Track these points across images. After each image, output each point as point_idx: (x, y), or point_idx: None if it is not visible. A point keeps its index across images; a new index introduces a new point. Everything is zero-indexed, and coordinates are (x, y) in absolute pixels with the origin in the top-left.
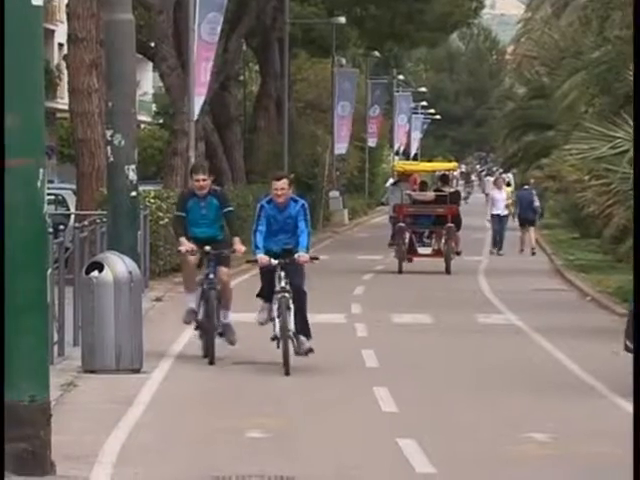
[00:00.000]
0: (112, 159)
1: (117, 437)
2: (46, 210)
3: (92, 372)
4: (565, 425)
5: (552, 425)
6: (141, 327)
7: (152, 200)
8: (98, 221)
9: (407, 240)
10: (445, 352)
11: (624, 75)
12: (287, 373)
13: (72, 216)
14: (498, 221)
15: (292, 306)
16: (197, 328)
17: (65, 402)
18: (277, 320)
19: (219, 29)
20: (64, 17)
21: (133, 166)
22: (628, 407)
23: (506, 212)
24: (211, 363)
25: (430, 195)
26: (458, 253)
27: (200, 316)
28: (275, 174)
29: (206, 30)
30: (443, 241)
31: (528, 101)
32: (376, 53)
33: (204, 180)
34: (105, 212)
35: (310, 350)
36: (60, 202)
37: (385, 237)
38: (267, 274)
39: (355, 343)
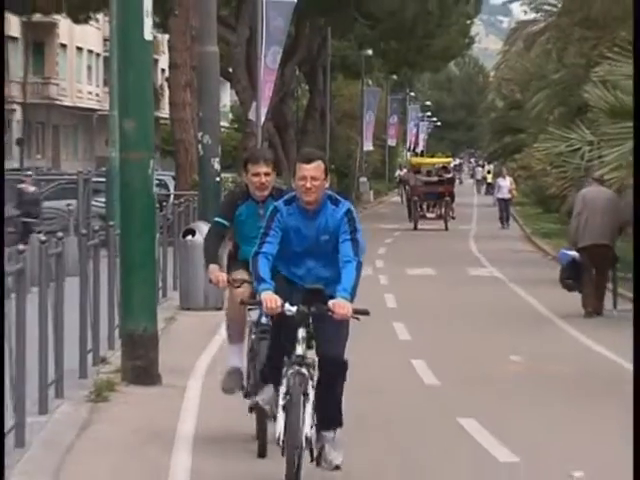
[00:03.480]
0: (202, 153)
1: (206, 357)
2: (155, 191)
3: (187, 309)
4: (534, 349)
5: (525, 349)
6: None
7: (230, 183)
8: (191, 199)
9: (418, 207)
10: (446, 296)
11: (577, 92)
12: None
13: (172, 196)
14: (503, 203)
15: (311, 393)
16: (247, 396)
17: (168, 331)
18: (281, 416)
19: (279, 58)
20: (166, 49)
21: (217, 159)
22: (577, 335)
23: (509, 196)
24: (261, 455)
25: (434, 179)
26: (453, 217)
27: (246, 381)
28: (303, 154)
29: (270, 59)
30: (443, 209)
31: (506, 112)
32: (394, 76)
33: (267, 175)
34: (196, 192)
35: (337, 467)
36: (163, 185)
37: (401, 211)
38: (279, 328)
39: (379, 289)
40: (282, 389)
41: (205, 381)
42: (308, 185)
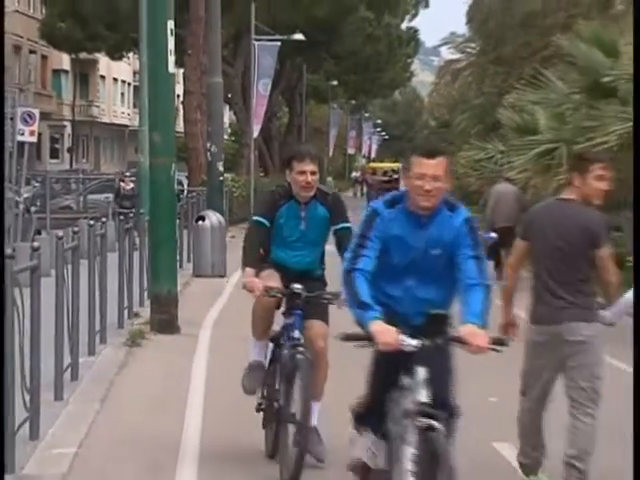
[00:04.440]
0: (210, 159)
1: (213, 312)
2: (175, 187)
3: (198, 276)
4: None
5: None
6: (225, 251)
7: (230, 182)
8: (200, 194)
9: (374, 199)
10: None
11: (492, 113)
12: None
13: (185, 191)
14: None
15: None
16: (260, 409)
17: (185, 293)
18: None
19: (269, 87)
20: (181, 80)
21: (221, 162)
22: (492, 297)
23: None
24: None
25: (386, 178)
26: None
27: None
28: (423, 145)
29: (262, 88)
30: None
31: (437, 129)
32: (353, 101)
33: (313, 173)
34: (204, 188)
35: None
36: (179, 183)
37: (356, 203)
38: (387, 370)
39: (341, 262)
40: (408, 449)
41: (213, 331)
42: (428, 187)
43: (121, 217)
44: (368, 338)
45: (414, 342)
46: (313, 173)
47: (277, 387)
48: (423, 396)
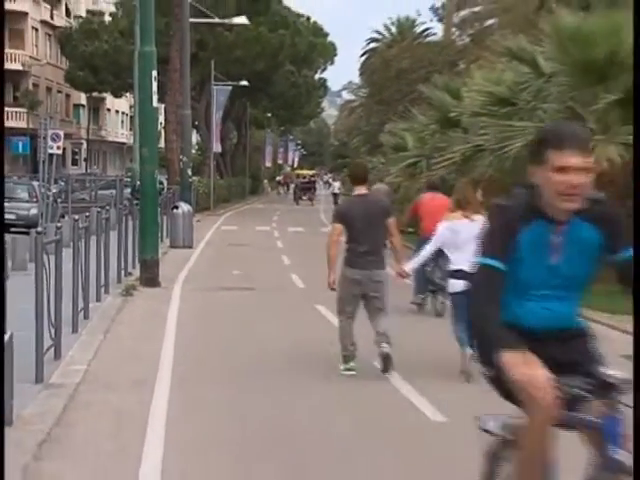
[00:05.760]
0: (182, 166)
1: (183, 273)
2: (158, 185)
3: (173, 247)
4: None
5: None
6: (192, 230)
7: (196, 183)
8: (175, 190)
9: (299, 194)
10: (311, 241)
11: (377, 137)
12: None
13: (165, 188)
14: (335, 196)
15: None
16: None
17: (164, 259)
18: None
19: (222, 118)
20: (162, 112)
21: (190, 169)
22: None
23: (338, 191)
24: None
25: (307, 180)
26: (314, 199)
27: None
28: None
29: (218, 118)
30: (310, 195)
31: (339, 147)
32: (282, 128)
33: (584, 172)
34: (178, 187)
35: None
36: (160, 182)
37: (283, 199)
38: None
39: (273, 238)
40: None
41: (183, 285)
42: None
43: (127, 204)
44: None
45: None
46: (585, 170)
47: None
48: None
